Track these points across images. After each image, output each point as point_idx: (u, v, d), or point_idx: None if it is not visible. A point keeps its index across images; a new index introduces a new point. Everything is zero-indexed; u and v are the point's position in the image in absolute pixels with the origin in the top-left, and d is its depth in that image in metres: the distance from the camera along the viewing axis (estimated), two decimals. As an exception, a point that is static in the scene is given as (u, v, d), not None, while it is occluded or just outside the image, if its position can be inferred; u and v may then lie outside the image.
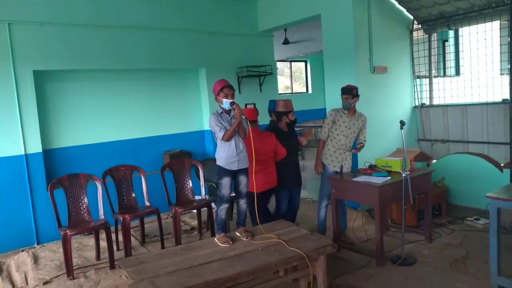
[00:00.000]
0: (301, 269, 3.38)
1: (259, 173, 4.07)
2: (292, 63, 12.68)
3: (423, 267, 3.96)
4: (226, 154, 3.62)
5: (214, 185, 5.18)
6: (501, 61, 6.28)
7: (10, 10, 5.03)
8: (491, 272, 3.32)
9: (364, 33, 5.82)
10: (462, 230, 4.87)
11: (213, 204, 4.61)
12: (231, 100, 3.57)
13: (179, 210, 4.70)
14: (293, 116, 4.35)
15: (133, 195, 4.95)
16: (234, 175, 3.70)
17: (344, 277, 3.89)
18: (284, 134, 4.33)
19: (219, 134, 3.58)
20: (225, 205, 3.71)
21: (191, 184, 5.23)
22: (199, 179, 5.35)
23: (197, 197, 5.22)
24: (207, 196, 5.44)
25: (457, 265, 3.97)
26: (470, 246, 4.38)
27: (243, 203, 3.83)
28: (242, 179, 3.73)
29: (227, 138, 3.57)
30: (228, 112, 3.68)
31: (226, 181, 3.66)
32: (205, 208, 5.03)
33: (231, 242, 3.49)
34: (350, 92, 4.43)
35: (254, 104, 6.80)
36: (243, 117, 3.54)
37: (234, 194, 3.90)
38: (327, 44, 6.08)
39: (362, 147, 4.58)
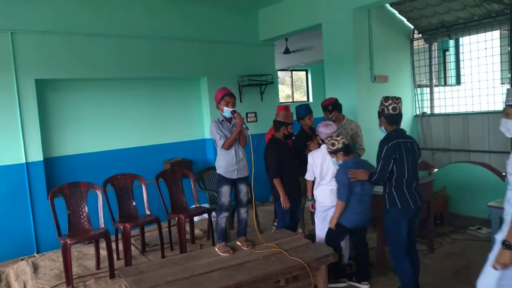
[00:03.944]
0: (302, 278, 3.35)
1: None
2: (293, 72, 12.72)
3: (425, 276, 3.92)
4: (225, 163, 3.62)
5: (215, 193, 5.18)
6: (501, 70, 6.30)
7: (13, 19, 5.07)
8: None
9: (364, 42, 5.85)
10: (464, 239, 4.84)
11: (213, 213, 4.60)
12: (232, 109, 3.58)
13: (182, 218, 4.69)
14: (291, 129, 4.33)
15: (134, 203, 4.94)
16: (234, 183, 3.69)
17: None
18: (281, 145, 4.30)
19: (219, 142, 3.59)
20: (225, 214, 3.70)
21: (183, 193, 5.24)
22: (200, 187, 5.35)
23: (201, 206, 5.25)
24: (207, 205, 5.43)
25: (459, 274, 3.94)
26: (472, 256, 4.35)
27: (244, 212, 3.82)
28: (242, 187, 3.72)
29: (227, 146, 3.57)
30: (229, 120, 3.69)
31: (225, 190, 3.65)
32: (204, 216, 5.01)
33: (231, 252, 3.47)
34: (326, 109, 4.84)
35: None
36: (244, 126, 3.54)
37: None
38: (327, 54, 6.11)
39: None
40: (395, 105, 3.34)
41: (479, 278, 2.54)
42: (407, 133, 3.48)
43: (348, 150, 3.70)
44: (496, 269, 2.36)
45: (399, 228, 3.34)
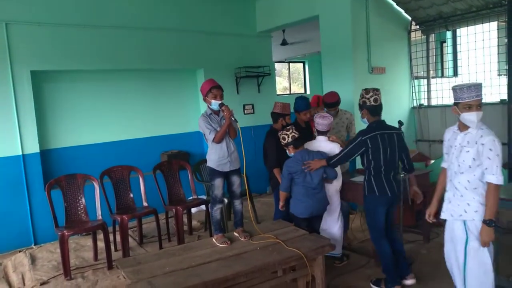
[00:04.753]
0: (299, 269, 3.37)
1: None
2: (290, 64, 12.68)
3: (421, 267, 3.96)
4: (217, 156, 3.61)
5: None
6: (498, 61, 6.29)
7: (8, 10, 5.02)
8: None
9: (362, 34, 5.82)
10: (460, 230, 4.86)
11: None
12: (220, 101, 3.55)
13: (180, 209, 4.70)
14: (289, 119, 4.35)
15: (131, 195, 4.94)
16: (226, 176, 3.69)
17: (342, 277, 3.90)
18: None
19: (210, 136, 3.56)
20: (219, 206, 3.71)
21: (180, 185, 5.24)
22: (197, 179, 5.36)
23: (199, 197, 5.27)
24: (204, 196, 5.44)
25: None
26: (468, 246, 4.37)
27: (238, 203, 3.83)
28: (235, 179, 3.73)
29: (218, 140, 3.56)
30: (217, 112, 3.66)
31: (218, 182, 3.65)
32: (202, 207, 5.01)
33: (229, 242, 3.48)
34: (336, 104, 4.75)
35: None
36: (233, 118, 3.52)
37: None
38: (325, 45, 6.08)
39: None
40: (376, 96, 3.50)
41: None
42: (394, 124, 3.65)
43: (298, 143, 3.80)
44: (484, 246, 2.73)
45: (377, 214, 3.55)
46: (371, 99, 3.48)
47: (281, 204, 3.86)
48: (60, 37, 5.39)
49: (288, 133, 3.77)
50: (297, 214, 3.82)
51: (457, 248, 2.88)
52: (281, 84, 13.60)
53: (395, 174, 3.55)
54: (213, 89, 3.56)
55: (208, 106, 3.64)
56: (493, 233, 2.68)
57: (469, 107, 2.69)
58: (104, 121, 6.06)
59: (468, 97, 2.68)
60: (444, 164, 3.14)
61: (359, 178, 4.24)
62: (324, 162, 3.67)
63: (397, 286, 3.56)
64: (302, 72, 12.82)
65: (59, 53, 5.40)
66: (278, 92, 11.72)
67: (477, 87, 2.69)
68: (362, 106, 3.54)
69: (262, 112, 7.16)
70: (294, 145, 3.76)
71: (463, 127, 2.81)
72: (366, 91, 3.54)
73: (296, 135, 3.78)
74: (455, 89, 2.77)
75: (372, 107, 3.49)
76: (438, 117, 6.52)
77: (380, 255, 3.64)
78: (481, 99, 2.71)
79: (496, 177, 2.63)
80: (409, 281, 3.65)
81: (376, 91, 3.52)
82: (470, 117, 2.70)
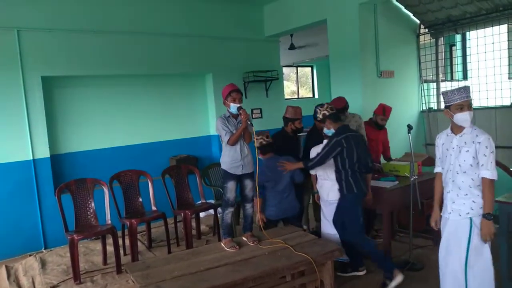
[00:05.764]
0: (308, 274, 3.36)
1: None
2: (298, 68, 12.67)
3: (431, 272, 3.91)
4: (230, 159, 3.64)
5: (220, 189, 5.20)
6: (509, 64, 6.23)
7: (19, 17, 5.10)
8: (502, 276, 3.27)
9: (370, 37, 5.81)
10: (471, 235, 4.80)
11: (219, 209, 4.61)
12: (239, 105, 3.59)
13: (188, 214, 4.71)
14: (300, 124, 4.38)
15: (140, 199, 4.96)
16: (239, 179, 3.70)
17: (351, 283, 3.87)
18: (288, 138, 4.42)
19: (225, 138, 3.60)
20: (231, 209, 3.72)
21: (189, 189, 5.26)
22: (206, 184, 5.37)
23: (207, 201, 5.27)
24: (213, 201, 5.44)
25: (467, 270, 3.91)
26: (480, 252, 4.31)
27: (249, 207, 3.83)
28: (248, 183, 3.73)
29: (232, 143, 3.58)
30: (235, 116, 3.69)
31: (231, 185, 3.66)
32: (210, 212, 5.02)
33: (237, 247, 3.48)
34: (345, 110, 4.79)
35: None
36: (249, 122, 3.55)
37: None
38: (333, 49, 6.08)
39: None
40: (330, 105, 3.89)
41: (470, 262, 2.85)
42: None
43: (265, 150, 4.01)
44: (485, 241, 2.80)
45: (357, 211, 3.75)
46: (328, 109, 3.81)
47: (259, 216, 3.93)
48: (70, 43, 5.46)
49: (259, 138, 3.98)
50: (269, 216, 4.00)
51: (461, 245, 2.86)
52: (289, 88, 13.59)
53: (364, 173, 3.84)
54: (232, 92, 3.61)
55: (228, 110, 3.70)
56: (492, 227, 2.77)
57: (461, 108, 2.82)
58: (114, 126, 6.10)
59: (460, 98, 2.81)
60: (437, 169, 3.16)
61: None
62: (300, 164, 3.84)
63: (396, 270, 3.63)
64: (310, 76, 12.80)
65: (70, 59, 5.46)
66: (286, 96, 11.72)
67: (466, 89, 2.84)
68: (323, 119, 3.81)
69: (270, 117, 7.17)
70: (261, 151, 3.98)
71: (457, 129, 2.93)
72: (321, 105, 3.91)
73: (264, 142, 3.98)
74: (445, 92, 2.91)
75: (332, 115, 3.77)
76: (447, 121, 6.44)
77: (368, 249, 3.77)
78: (471, 99, 2.86)
79: (491, 172, 2.75)
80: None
81: (327, 103, 3.92)
82: (463, 116, 2.82)
